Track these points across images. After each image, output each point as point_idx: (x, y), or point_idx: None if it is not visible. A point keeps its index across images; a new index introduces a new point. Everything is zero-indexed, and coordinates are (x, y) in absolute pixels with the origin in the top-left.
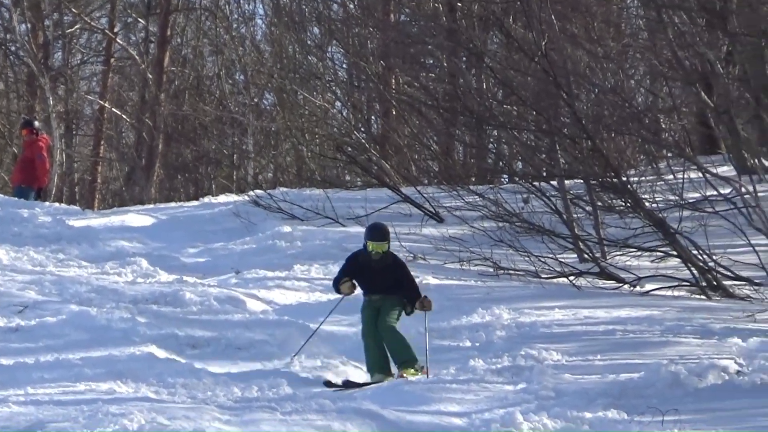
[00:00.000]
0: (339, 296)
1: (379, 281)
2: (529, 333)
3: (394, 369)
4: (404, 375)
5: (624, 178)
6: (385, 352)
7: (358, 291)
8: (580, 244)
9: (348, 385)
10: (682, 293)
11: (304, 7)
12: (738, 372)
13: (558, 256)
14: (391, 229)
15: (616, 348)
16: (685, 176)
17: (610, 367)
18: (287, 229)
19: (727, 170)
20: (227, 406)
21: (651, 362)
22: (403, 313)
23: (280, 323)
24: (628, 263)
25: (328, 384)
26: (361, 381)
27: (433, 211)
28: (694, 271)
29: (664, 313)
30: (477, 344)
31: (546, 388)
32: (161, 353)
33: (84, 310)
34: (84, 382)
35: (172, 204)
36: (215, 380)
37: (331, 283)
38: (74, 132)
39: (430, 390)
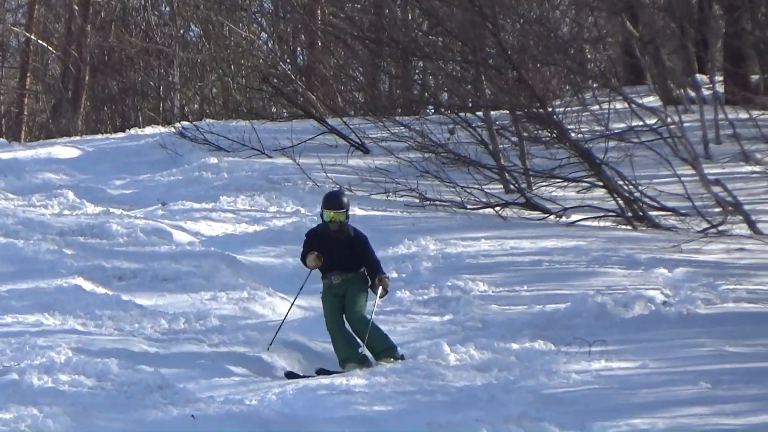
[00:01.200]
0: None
1: (340, 256)
2: (455, 264)
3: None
4: (383, 363)
5: (549, 109)
6: (354, 340)
7: None
8: (506, 174)
9: (322, 373)
10: (608, 224)
11: None
12: (664, 302)
13: (484, 187)
14: (316, 160)
15: (543, 279)
16: (611, 107)
17: (536, 297)
18: (213, 160)
19: (652, 101)
20: (154, 338)
21: (577, 293)
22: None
23: (207, 254)
24: (554, 194)
25: (291, 375)
26: (332, 369)
27: (359, 142)
28: (620, 202)
29: (590, 244)
30: (403, 275)
31: (472, 319)
32: (88, 285)
33: (10, 242)
34: (11, 315)
35: (99, 136)
36: (142, 312)
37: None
38: (0, 64)
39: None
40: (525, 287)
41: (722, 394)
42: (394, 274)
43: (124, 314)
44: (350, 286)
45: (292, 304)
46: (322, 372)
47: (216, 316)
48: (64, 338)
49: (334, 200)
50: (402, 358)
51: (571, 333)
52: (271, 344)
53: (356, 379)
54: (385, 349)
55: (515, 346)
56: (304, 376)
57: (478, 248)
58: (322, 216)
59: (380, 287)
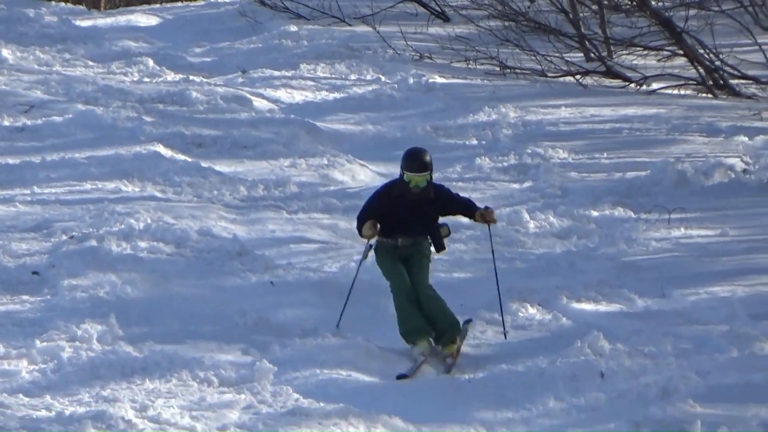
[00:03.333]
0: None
1: (415, 220)
2: (535, 131)
3: None
4: (455, 355)
5: None
6: (422, 311)
7: None
8: (587, 43)
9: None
10: (689, 92)
11: None
12: (744, 170)
13: (564, 55)
14: (396, 28)
15: (623, 146)
16: None
17: (616, 165)
18: (294, 28)
19: None
20: (233, 205)
21: (657, 161)
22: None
23: (287, 122)
24: (634, 62)
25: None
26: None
27: (439, 10)
28: (701, 70)
29: (671, 112)
30: (483, 143)
31: (552, 186)
32: (167, 152)
33: (90, 109)
34: (90, 181)
35: (178, 3)
36: (221, 179)
37: (355, 220)
38: None
39: None
40: (605, 155)
41: None
42: (474, 141)
43: (203, 181)
44: (417, 251)
45: (355, 279)
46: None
47: (295, 183)
48: (143, 205)
49: (416, 161)
50: (466, 328)
51: (651, 200)
52: (339, 323)
53: None
54: (449, 329)
55: (595, 213)
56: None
57: (559, 116)
58: (402, 176)
59: (489, 219)
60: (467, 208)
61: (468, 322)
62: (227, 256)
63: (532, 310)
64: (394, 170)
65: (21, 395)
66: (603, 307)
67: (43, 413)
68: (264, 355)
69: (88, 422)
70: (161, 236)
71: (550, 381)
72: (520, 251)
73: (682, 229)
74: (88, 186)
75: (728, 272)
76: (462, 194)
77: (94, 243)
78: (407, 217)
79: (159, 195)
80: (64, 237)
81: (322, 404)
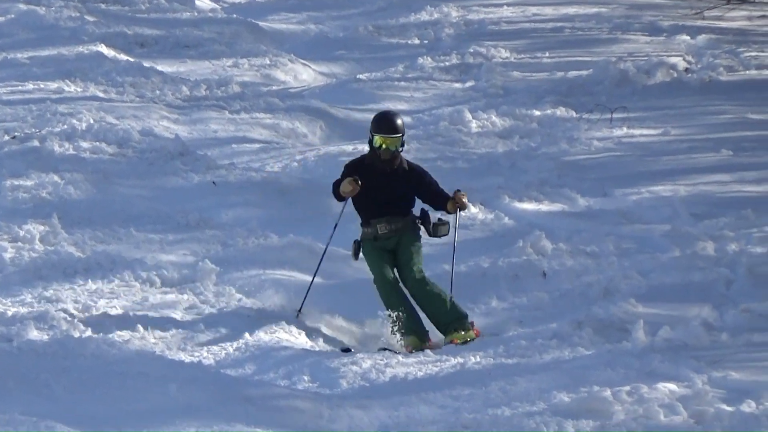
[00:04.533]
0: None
1: (388, 196)
2: (477, 30)
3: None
4: (456, 342)
5: None
6: (414, 309)
7: None
8: None
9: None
10: None
11: None
12: (686, 69)
13: None
14: None
15: (565, 45)
16: None
17: (558, 64)
18: None
19: None
20: (175, 105)
21: (599, 60)
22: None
23: (229, 21)
24: None
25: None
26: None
27: None
28: None
29: (612, 11)
30: (425, 42)
31: (494, 85)
32: (110, 52)
33: (32, 8)
34: (32, 81)
35: None
36: (163, 79)
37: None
38: None
39: (378, 88)
40: (547, 54)
41: (744, 161)
42: (416, 41)
43: (146, 81)
44: (402, 237)
45: (318, 267)
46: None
47: (237, 82)
48: (86, 105)
49: (386, 122)
50: (472, 325)
51: (592, 100)
52: (300, 311)
53: None
54: (453, 320)
55: (537, 113)
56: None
57: (501, 15)
58: (371, 142)
59: (460, 205)
60: (438, 197)
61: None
62: (169, 156)
63: (474, 210)
64: (337, 70)
65: None
66: (545, 207)
67: None
68: (206, 256)
69: (30, 323)
70: (103, 136)
71: (493, 281)
72: (462, 151)
73: (624, 129)
74: (30, 86)
75: (670, 172)
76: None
77: (36, 143)
78: (382, 191)
79: (101, 95)
80: (6, 137)
81: (264, 304)
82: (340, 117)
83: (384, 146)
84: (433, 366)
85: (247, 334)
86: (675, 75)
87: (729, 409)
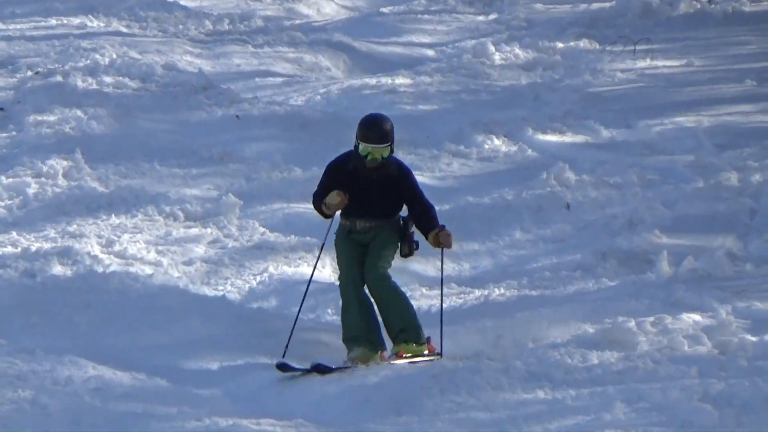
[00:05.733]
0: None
1: (374, 200)
2: None
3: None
4: (403, 354)
5: None
6: (373, 313)
7: None
8: None
9: (320, 369)
10: None
11: None
12: (709, 0)
13: None
14: None
15: None
16: None
17: None
18: None
19: None
20: (198, 39)
21: None
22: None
23: None
24: None
25: (284, 367)
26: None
27: None
28: None
29: None
30: None
31: (518, 18)
32: None
33: None
34: (55, 17)
35: None
36: (187, 14)
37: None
38: None
39: (402, 21)
40: None
41: (767, 91)
42: None
43: (168, 15)
44: (378, 234)
45: (311, 279)
46: (320, 369)
47: (260, 16)
48: (109, 40)
49: (373, 129)
50: (427, 341)
51: (616, 32)
52: (285, 350)
53: (401, 79)
54: (404, 329)
55: (560, 45)
56: (299, 369)
57: None
58: (357, 147)
59: (443, 243)
60: (423, 221)
61: (428, 339)
62: (192, 90)
63: (497, 142)
64: (360, 3)
65: None
66: (568, 139)
67: (9, 249)
68: (230, 189)
69: (54, 258)
70: (126, 71)
71: (516, 213)
72: (485, 83)
73: (648, 60)
74: (53, 22)
75: (693, 102)
76: (426, 27)
77: (59, 78)
78: (367, 196)
79: (124, 30)
80: (30, 73)
81: (288, 238)
82: (363, 50)
83: (370, 156)
84: (457, 298)
85: (270, 268)
86: (698, 6)
87: (753, 339)
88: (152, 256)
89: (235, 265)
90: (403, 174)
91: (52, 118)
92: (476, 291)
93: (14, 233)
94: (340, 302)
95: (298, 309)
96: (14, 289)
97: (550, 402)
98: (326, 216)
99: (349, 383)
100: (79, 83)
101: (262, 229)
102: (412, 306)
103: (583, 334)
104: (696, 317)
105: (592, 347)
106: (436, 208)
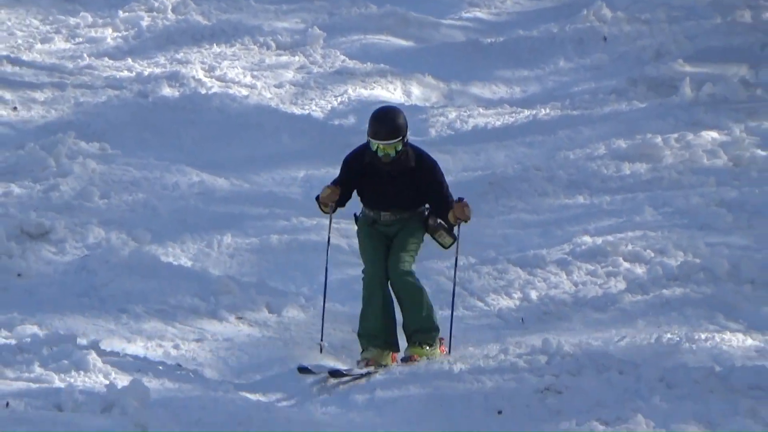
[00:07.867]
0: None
1: (394, 193)
2: None
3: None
4: (416, 358)
5: None
6: (393, 312)
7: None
8: None
9: (335, 374)
10: None
11: None
12: None
13: None
14: None
15: None
16: None
17: None
18: None
19: None
20: None
21: None
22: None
23: None
24: None
25: (304, 371)
26: (350, 368)
27: None
28: None
29: None
30: None
31: None
32: None
33: None
34: None
35: None
36: None
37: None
38: None
39: None
40: None
41: None
42: None
43: None
44: (403, 227)
45: (325, 283)
46: (336, 374)
47: None
48: None
49: (383, 125)
50: (440, 342)
51: None
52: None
53: None
54: (419, 329)
55: None
56: (317, 372)
57: None
58: (369, 142)
59: (460, 216)
60: (441, 205)
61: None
62: None
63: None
64: None
65: (106, 58)
66: None
67: (125, 74)
68: (315, 23)
69: (163, 81)
70: None
71: (560, 44)
72: None
73: None
74: None
75: None
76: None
77: None
78: (385, 191)
79: None
80: None
81: (365, 65)
82: None
83: (381, 152)
84: (509, 117)
85: (349, 90)
86: None
87: (763, 153)
88: (248, 79)
89: (319, 88)
90: (424, 166)
91: None
92: (525, 111)
93: (129, 60)
94: (363, 293)
95: (323, 300)
96: (129, 108)
97: (588, 206)
98: (324, 211)
99: None
100: None
101: (342, 57)
102: (430, 304)
103: (617, 148)
104: (714, 134)
105: (625, 159)
106: (491, 40)
